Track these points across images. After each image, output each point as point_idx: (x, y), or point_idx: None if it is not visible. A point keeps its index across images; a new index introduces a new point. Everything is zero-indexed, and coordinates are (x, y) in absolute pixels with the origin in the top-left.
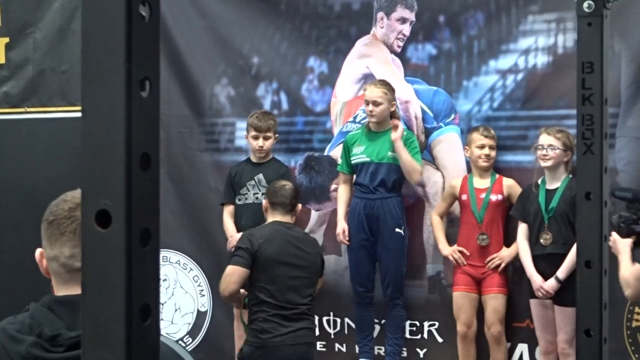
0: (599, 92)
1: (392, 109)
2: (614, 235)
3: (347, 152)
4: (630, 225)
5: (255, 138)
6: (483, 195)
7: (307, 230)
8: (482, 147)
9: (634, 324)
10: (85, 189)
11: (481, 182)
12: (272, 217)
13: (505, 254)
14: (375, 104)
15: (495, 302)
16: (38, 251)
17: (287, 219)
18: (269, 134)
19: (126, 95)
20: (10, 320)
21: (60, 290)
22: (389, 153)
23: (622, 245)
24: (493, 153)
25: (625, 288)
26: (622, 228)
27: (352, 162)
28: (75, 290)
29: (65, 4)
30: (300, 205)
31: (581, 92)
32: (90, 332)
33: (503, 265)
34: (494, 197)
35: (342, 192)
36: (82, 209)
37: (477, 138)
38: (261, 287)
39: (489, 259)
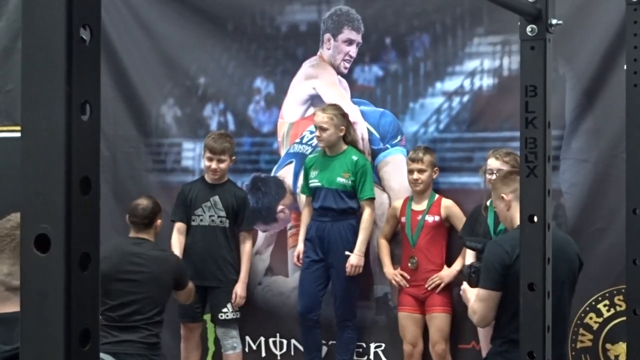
0: (542, 115)
1: (342, 134)
2: (464, 284)
3: (306, 175)
4: (480, 275)
5: (210, 160)
6: (419, 217)
7: (254, 250)
8: (411, 171)
9: (579, 345)
10: (24, 213)
11: (419, 204)
12: (130, 233)
13: (445, 274)
14: (322, 129)
15: (438, 321)
16: None
17: (142, 234)
18: (223, 157)
19: (66, 118)
20: None
21: None
22: (338, 179)
23: (470, 294)
24: (423, 176)
25: (473, 316)
26: (472, 278)
27: (309, 185)
28: (13, 307)
29: (11, 23)
30: (159, 222)
31: (524, 115)
32: (28, 358)
33: (443, 285)
34: (430, 219)
35: (303, 215)
36: (21, 233)
37: (407, 162)
38: (102, 300)
39: (429, 280)
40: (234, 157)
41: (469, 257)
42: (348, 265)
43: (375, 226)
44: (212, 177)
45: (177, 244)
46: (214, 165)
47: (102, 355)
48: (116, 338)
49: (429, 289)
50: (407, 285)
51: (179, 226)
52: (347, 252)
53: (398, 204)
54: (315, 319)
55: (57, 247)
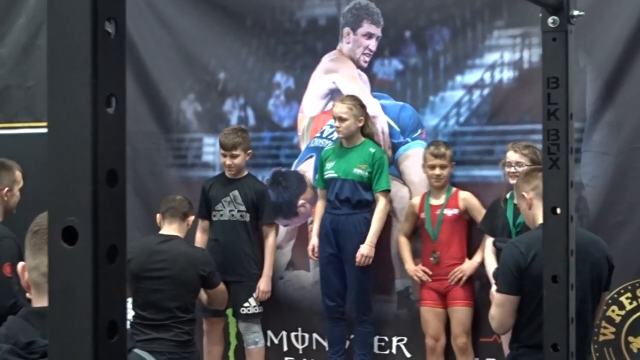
0: (564, 107)
1: (360, 124)
2: (493, 288)
3: (321, 167)
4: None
5: (224, 156)
6: (438, 211)
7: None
8: (432, 167)
9: (601, 338)
10: (51, 206)
11: (437, 199)
12: (162, 229)
13: (466, 267)
14: (341, 119)
15: (459, 315)
16: (20, 264)
17: (174, 229)
18: (235, 152)
19: (92, 111)
20: None
21: (37, 302)
22: (355, 170)
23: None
24: (445, 172)
25: (491, 322)
26: None
27: (324, 177)
28: None
29: (31, 20)
30: (192, 217)
31: (546, 107)
32: (56, 349)
33: (465, 278)
34: (449, 212)
35: (318, 208)
36: (48, 226)
37: (428, 158)
38: (132, 298)
39: (450, 273)
40: (249, 151)
41: (489, 252)
42: (358, 255)
43: (395, 219)
44: (229, 172)
45: (201, 242)
46: (227, 161)
47: (140, 352)
48: (148, 336)
49: (452, 283)
50: (430, 280)
51: (203, 225)
52: (361, 245)
53: (416, 200)
54: (342, 310)
55: (85, 240)
